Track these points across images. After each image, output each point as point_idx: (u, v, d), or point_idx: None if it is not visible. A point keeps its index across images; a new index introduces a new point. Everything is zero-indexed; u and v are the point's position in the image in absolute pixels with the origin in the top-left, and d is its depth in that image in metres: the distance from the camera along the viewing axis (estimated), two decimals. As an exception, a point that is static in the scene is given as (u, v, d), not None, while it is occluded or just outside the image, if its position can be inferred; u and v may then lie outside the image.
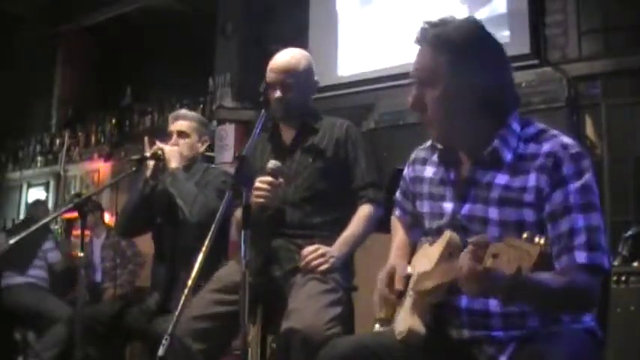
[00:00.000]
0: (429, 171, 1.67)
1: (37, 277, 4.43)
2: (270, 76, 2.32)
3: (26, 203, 7.99)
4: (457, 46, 1.46)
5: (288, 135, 2.39)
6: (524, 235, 1.12)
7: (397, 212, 1.86)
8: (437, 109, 1.49)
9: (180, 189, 2.56)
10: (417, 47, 1.53)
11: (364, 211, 2.27)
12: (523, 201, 1.44)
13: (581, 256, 1.36)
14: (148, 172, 2.63)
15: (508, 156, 1.48)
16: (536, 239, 1.10)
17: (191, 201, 2.51)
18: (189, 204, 2.51)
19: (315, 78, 2.41)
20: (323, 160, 2.30)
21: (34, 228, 2.70)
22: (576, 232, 1.37)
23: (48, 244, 4.59)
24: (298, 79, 2.32)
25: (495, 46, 1.51)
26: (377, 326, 1.72)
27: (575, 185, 1.39)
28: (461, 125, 1.51)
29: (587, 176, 1.41)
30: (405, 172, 1.77)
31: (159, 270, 2.72)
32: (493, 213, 1.47)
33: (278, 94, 2.30)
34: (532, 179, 1.43)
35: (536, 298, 1.30)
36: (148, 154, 2.64)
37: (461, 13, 4.65)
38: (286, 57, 2.35)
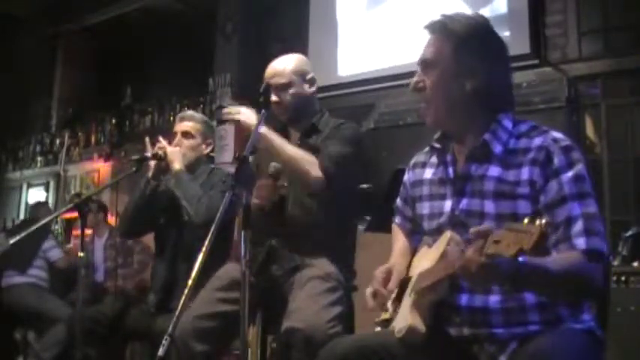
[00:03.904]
0: (428, 172, 1.70)
1: (38, 277, 4.44)
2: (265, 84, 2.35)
3: (26, 203, 7.99)
4: (461, 37, 1.55)
5: (294, 137, 2.40)
6: (526, 220, 1.14)
7: (397, 219, 1.88)
8: (434, 90, 1.57)
9: (184, 190, 2.55)
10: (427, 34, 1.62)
11: (312, 157, 2.20)
12: (517, 193, 1.47)
13: (580, 243, 1.38)
14: (150, 173, 2.62)
15: (497, 148, 1.53)
16: (537, 222, 1.11)
17: (196, 202, 2.50)
18: (194, 205, 2.50)
19: (311, 75, 2.42)
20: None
21: (34, 227, 2.71)
22: (573, 220, 1.40)
23: (48, 244, 4.59)
24: (289, 78, 2.35)
25: (498, 45, 1.59)
26: (377, 329, 1.72)
27: (568, 175, 1.43)
28: (455, 113, 1.57)
29: (580, 166, 1.45)
30: (406, 177, 1.80)
31: (159, 270, 2.72)
32: (489, 206, 1.50)
33: (274, 97, 2.33)
34: (525, 172, 1.47)
35: (539, 282, 1.30)
36: (148, 154, 2.63)
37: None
38: (275, 61, 2.42)
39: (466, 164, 1.57)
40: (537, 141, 1.49)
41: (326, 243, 2.23)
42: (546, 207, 1.43)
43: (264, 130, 2.13)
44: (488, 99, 1.55)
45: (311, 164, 2.18)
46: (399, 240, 1.85)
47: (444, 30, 1.57)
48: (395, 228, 1.89)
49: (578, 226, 1.39)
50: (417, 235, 1.80)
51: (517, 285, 1.30)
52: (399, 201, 1.86)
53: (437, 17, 1.61)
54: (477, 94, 1.53)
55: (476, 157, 1.55)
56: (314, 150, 2.31)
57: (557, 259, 1.35)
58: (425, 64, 1.60)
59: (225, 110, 2.22)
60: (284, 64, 2.39)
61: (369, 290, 1.69)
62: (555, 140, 1.48)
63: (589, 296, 1.47)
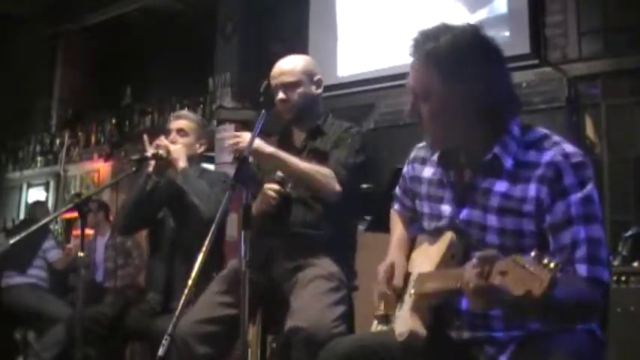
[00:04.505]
0: (427, 171, 1.67)
1: (37, 277, 4.44)
2: (272, 82, 2.36)
3: (26, 203, 7.99)
4: (448, 63, 1.45)
5: (298, 137, 2.41)
6: (532, 254, 1.11)
7: (396, 206, 1.87)
8: (430, 121, 1.50)
9: (193, 186, 2.56)
10: (411, 57, 1.54)
11: (325, 169, 2.22)
12: (522, 211, 1.43)
13: (582, 270, 1.35)
14: (151, 169, 2.62)
15: (508, 162, 1.47)
16: (545, 261, 1.08)
17: (206, 198, 2.51)
18: (205, 201, 2.51)
19: (318, 77, 2.43)
20: (324, 162, 2.30)
21: (34, 228, 2.70)
22: (577, 245, 1.37)
23: (48, 244, 4.59)
24: (297, 77, 2.35)
25: (492, 53, 1.49)
26: (375, 323, 1.72)
27: (576, 196, 1.38)
28: (457, 136, 1.51)
29: (589, 187, 1.40)
30: (405, 170, 1.78)
31: (156, 268, 2.71)
32: (492, 220, 1.47)
33: (281, 95, 2.33)
34: (532, 189, 1.42)
35: (541, 313, 1.29)
36: (148, 153, 2.62)
37: (461, 13, 4.65)
38: (283, 60, 2.42)
39: (472, 174, 1.53)
40: (547, 156, 1.42)
41: (328, 243, 2.23)
42: (551, 227, 1.40)
43: (272, 150, 2.16)
44: (493, 113, 1.48)
45: (328, 178, 2.20)
46: (398, 229, 1.84)
47: (428, 58, 1.46)
48: (394, 215, 1.88)
49: (582, 251, 1.36)
50: (415, 224, 1.78)
51: (519, 312, 1.28)
52: (398, 190, 1.84)
53: (417, 38, 1.51)
54: (479, 114, 1.46)
55: (484, 169, 1.49)
56: (320, 152, 2.31)
57: (560, 284, 1.29)
58: (415, 94, 1.51)
59: (231, 142, 2.20)
60: (293, 63, 2.40)
61: (375, 292, 1.67)
62: (566, 156, 1.41)
63: (588, 321, 1.44)
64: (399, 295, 1.62)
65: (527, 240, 1.43)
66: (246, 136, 2.17)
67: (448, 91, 1.45)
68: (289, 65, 2.39)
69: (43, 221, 2.97)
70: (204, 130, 2.89)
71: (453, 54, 1.45)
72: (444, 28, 1.49)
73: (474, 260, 1.23)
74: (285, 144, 2.41)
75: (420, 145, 1.74)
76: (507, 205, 1.45)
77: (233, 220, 3.28)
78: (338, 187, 2.20)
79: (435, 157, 1.64)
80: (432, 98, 1.47)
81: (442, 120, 1.49)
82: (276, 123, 2.47)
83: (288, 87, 2.34)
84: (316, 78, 2.42)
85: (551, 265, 1.08)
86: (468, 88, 1.44)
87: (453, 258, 1.48)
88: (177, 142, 2.72)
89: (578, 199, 1.38)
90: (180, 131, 2.77)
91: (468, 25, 1.52)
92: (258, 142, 2.15)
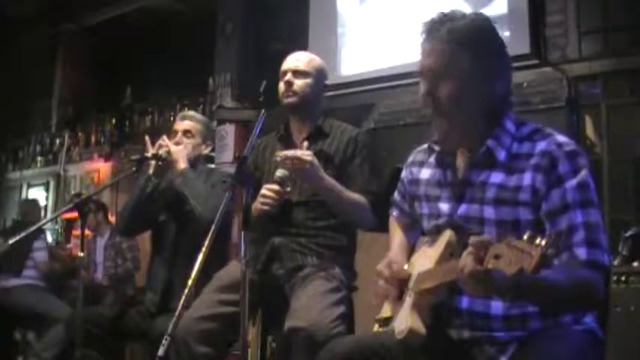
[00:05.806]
0: (425, 173, 1.68)
1: (31, 277, 4.42)
2: (282, 68, 2.39)
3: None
4: (478, 43, 1.46)
5: (299, 136, 2.39)
6: (525, 236, 1.12)
7: (395, 213, 1.87)
8: (450, 103, 1.49)
9: (192, 188, 2.53)
10: (425, 41, 1.52)
11: (363, 198, 2.25)
12: (518, 200, 1.44)
13: (581, 253, 1.35)
14: (151, 170, 2.61)
15: (502, 155, 1.48)
16: (537, 240, 1.09)
17: (204, 200, 2.49)
18: (203, 203, 2.49)
19: (326, 81, 2.45)
20: (331, 166, 2.29)
21: (34, 228, 2.70)
22: (575, 229, 1.37)
23: (38, 244, 4.57)
24: (309, 69, 2.37)
25: (503, 45, 1.53)
26: (376, 326, 1.72)
27: (572, 183, 1.40)
28: (464, 122, 1.51)
29: (584, 173, 1.41)
30: (403, 174, 1.78)
31: (157, 270, 2.70)
32: (489, 213, 1.48)
33: (289, 77, 2.34)
34: (527, 178, 1.43)
35: (542, 296, 1.28)
36: (149, 153, 2.61)
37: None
38: (301, 52, 2.46)
39: (468, 170, 1.53)
40: (541, 145, 1.44)
41: (329, 243, 2.23)
42: (548, 214, 1.40)
43: (323, 174, 2.15)
44: (497, 104, 1.50)
45: (365, 212, 2.23)
46: (397, 235, 1.83)
47: (457, 36, 1.46)
48: (392, 222, 1.88)
49: (580, 235, 1.36)
50: (414, 230, 1.78)
51: (518, 297, 1.28)
52: (396, 195, 1.84)
53: (435, 19, 1.50)
54: (487, 103, 1.48)
55: (479, 163, 1.51)
56: (328, 156, 2.31)
57: (559, 269, 1.31)
58: (435, 76, 1.49)
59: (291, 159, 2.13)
60: (309, 57, 2.43)
61: (376, 290, 1.67)
62: (560, 145, 1.43)
63: (590, 307, 1.44)
64: (399, 296, 1.62)
65: (525, 230, 1.43)
66: (307, 153, 2.16)
67: (476, 72, 1.46)
68: (306, 57, 2.42)
69: (43, 222, 2.96)
70: (210, 130, 2.88)
71: (480, 34, 1.48)
72: (458, 13, 1.51)
73: (469, 247, 1.23)
74: (286, 142, 2.41)
75: (419, 148, 1.75)
76: (503, 196, 1.46)
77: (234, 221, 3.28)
78: (374, 221, 2.24)
79: (432, 158, 1.64)
80: (457, 78, 1.47)
81: (461, 102, 1.48)
82: (276, 123, 2.46)
83: (297, 73, 2.35)
84: (325, 81, 2.44)
85: (543, 242, 1.08)
86: (491, 73, 1.46)
87: (452, 256, 1.48)
88: (182, 143, 2.71)
89: (573, 185, 1.39)
90: (187, 132, 2.75)
91: (480, 13, 1.56)
92: (315, 162, 2.14)
